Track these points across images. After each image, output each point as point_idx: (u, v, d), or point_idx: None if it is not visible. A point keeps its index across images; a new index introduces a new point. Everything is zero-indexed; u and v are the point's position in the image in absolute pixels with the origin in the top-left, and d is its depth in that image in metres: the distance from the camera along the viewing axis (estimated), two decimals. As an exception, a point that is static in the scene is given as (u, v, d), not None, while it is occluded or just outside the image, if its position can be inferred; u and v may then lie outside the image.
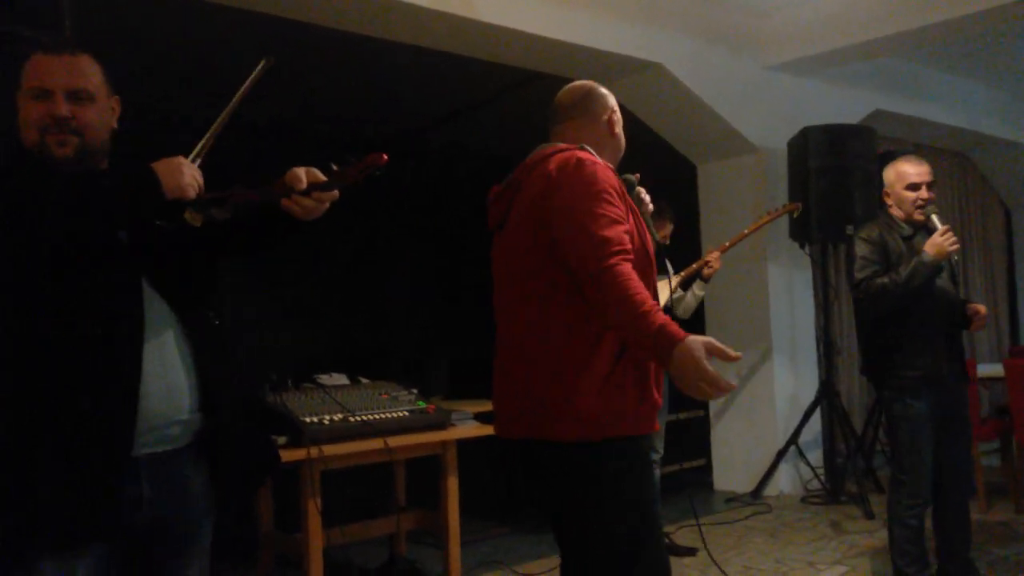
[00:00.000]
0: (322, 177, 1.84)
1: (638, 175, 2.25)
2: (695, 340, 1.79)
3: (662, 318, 1.82)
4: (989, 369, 5.90)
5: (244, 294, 5.54)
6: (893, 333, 3.50)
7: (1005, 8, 5.02)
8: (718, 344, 1.81)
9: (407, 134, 6.79)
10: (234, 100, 1.88)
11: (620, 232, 1.93)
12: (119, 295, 1.73)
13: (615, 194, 2.00)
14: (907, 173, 3.57)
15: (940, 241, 3.39)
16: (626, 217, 2.00)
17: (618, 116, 2.27)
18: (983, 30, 5.63)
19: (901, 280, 3.39)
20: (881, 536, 4.70)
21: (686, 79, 5.50)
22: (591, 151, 2.11)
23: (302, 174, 1.83)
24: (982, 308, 3.66)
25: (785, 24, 5.85)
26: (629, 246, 1.93)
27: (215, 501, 1.88)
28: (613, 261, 1.88)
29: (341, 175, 1.88)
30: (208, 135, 1.87)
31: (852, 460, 5.73)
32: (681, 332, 1.80)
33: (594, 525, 1.98)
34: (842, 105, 6.37)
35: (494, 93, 6.26)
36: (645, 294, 1.86)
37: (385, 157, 1.89)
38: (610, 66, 5.30)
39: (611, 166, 2.13)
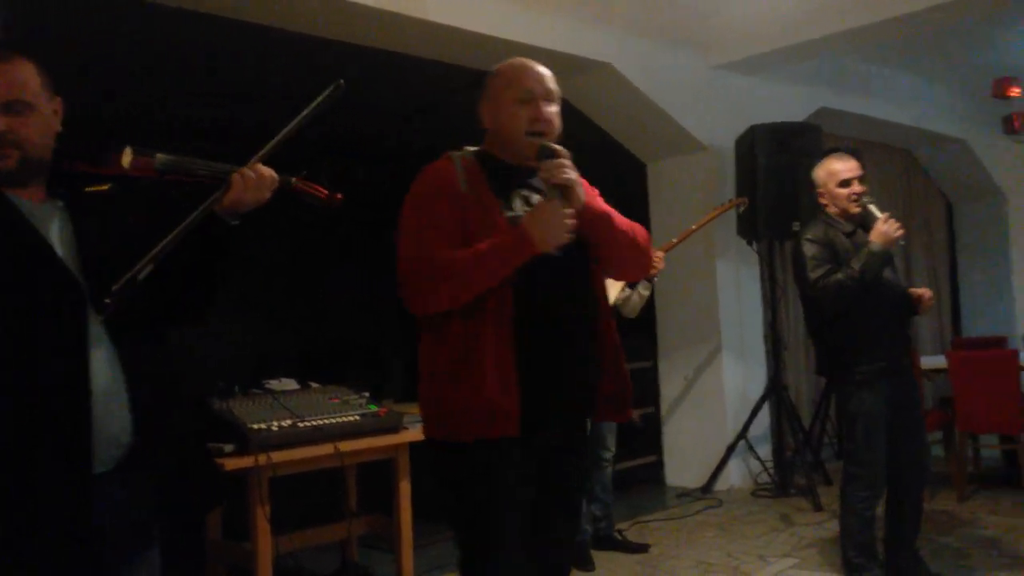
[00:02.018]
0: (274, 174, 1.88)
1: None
2: (529, 212, 2.03)
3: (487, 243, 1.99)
4: (932, 361, 6.03)
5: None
6: (847, 329, 3.55)
7: (946, 6, 5.12)
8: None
9: (362, 135, 6.73)
10: (299, 118, 1.87)
11: (408, 243, 2.08)
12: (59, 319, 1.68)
13: (421, 196, 2.12)
14: (837, 170, 3.63)
15: (885, 229, 3.44)
16: (440, 214, 2.05)
17: (512, 92, 2.15)
18: (925, 28, 5.74)
19: (856, 274, 3.43)
20: (829, 527, 4.79)
21: (635, 78, 5.53)
22: (464, 153, 2.18)
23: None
24: (926, 291, 3.72)
25: (732, 23, 5.91)
26: (422, 257, 2.03)
27: (156, 526, 1.84)
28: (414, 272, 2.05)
29: (299, 186, 1.98)
30: (266, 149, 1.86)
31: (800, 454, 5.82)
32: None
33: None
34: (789, 103, 6.46)
35: (449, 94, 6.24)
36: (460, 253, 1.99)
37: (339, 197, 2.06)
38: (559, 66, 5.26)
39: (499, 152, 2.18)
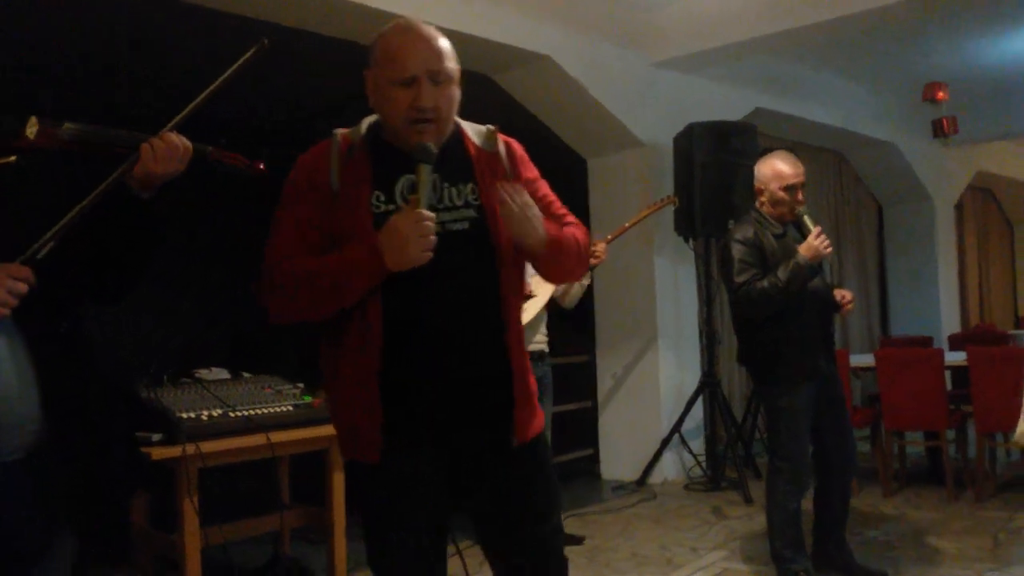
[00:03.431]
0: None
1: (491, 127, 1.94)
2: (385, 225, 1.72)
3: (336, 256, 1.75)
4: (861, 359, 6.17)
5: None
6: (772, 332, 3.58)
7: (879, 11, 5.24)
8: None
9: (293, 123, 6.62)
10: (220, 79, 1.78)
11: (269, 245, 1.84)
12: None
13: (290, 188, 1.87)
14: (785, 175, 3.60)
15: (816, 245, 3.45)
16: (301, 212, 1.82)
17: (390, 72, 1.80)
18: (856, 31, 5.86)
19: (782, 284, 3.44)
20: (759, 520, 4.86)
21: (574, 72, 5.54)
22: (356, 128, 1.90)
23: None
24: (847, 293, 3.79)
25: (673, 20, 5.96)
26: (277, 261, 1.80)
27: (71, 513, 1.77)
28: (267, 279, 1.81)
29: (216, 156, 1.90)
30: (185, 112, 1.77)
31: (732, 447, 5.91)
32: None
33: None
34: (726, 103, 6.55)
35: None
36: (308, 264, 1.76)
37: (263, 167, 1.94)
38: (499, 57, 5.30)
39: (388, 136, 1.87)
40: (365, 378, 1.76)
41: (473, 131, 1.91)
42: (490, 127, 1.93)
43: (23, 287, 1.59)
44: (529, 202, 1.76)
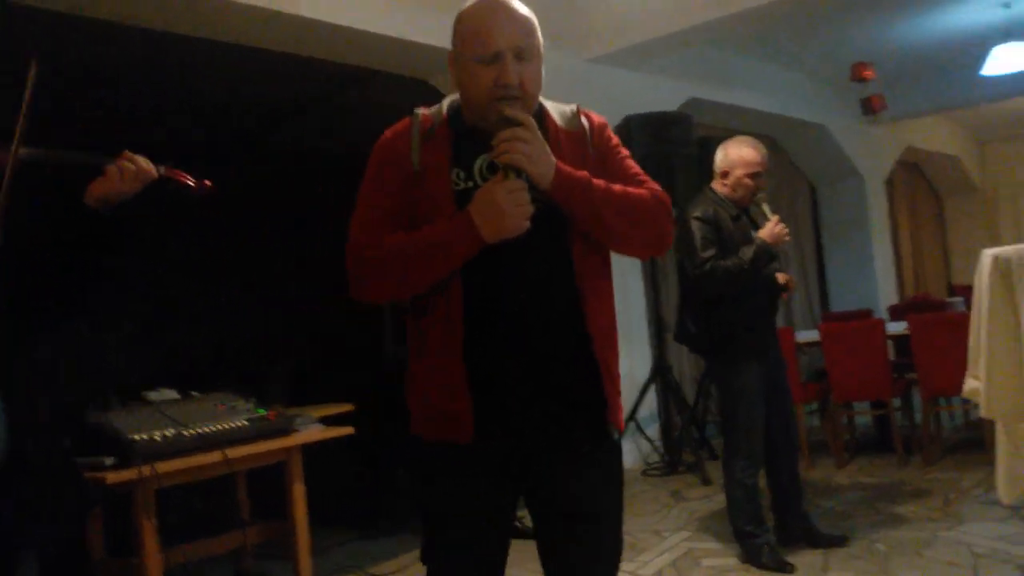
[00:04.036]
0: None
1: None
2: (476, 195, 1.67)
3: (427, 230, 1.71)
4: (805, 336, 6.29)
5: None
6: (727, 313, 3.66)
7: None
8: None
9: (241, 135, 6.53)
10: (23, 111, 1.75)
11: (354, 224, 1.80)
12: None
13: (372, 167, 1.83)
14: (752, 160, 3.69)
15: (778, 231, 3.57)
16: (384, 190, 1.79)
17: (473, 49, 1.74)
18: (786, 16, 5.97)
19: (747, 266, 3.52)
20: (718, 500, 4.93)
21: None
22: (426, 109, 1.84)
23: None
24: (790, 277, 3.90)
25: (604, 17, 6.01)
26: (363, 240, 1.76)
27: (33, 536, 1.72)
28: (354, 258, 1.77)
29: (167, 175, 1.93)
30: (13, 149, 1.74)
31: (687, 432, 5.98)
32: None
33: None
34: (661, 94, 6.61)
35: (329, 91, 6.14)
36: (396, 240, 1.72)
37: (210, 185, 1.98)
38: (433, 60, 5.27)
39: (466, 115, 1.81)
40: (451, 355, 1.72)
41: (556, 111, 1.86)
42: (573, 108, 1.88)
43: None
44: (527, 137, 1.67)
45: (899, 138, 10.33)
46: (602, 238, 1.79)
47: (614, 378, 1.80)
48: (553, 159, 1.70)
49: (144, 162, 1.82)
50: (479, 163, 1.76)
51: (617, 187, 1.78)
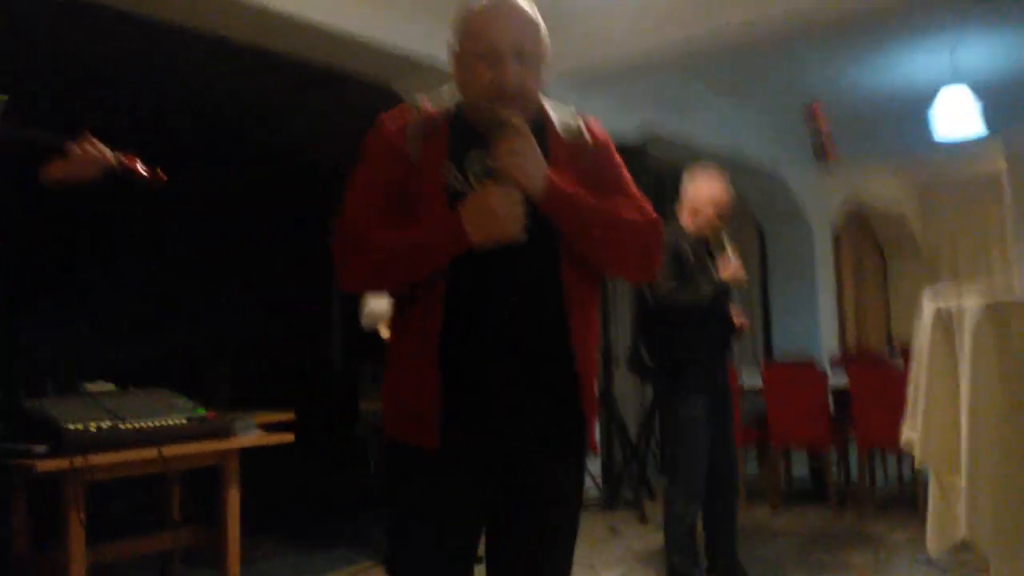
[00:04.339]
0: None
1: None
2: (469, 197, 1.65)
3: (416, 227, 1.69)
4: (749, 380, 6.36)
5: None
6: (676, 340, 3.70)
7: (750, 24, 5.45)
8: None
9: (211, 132, 6.45)
10: None
11: (346, 206, 1.76)
12: None
13: (367, 154, 1.79)
14: (718, 194, 3.73)
15: (737, 273, 3.64)
16: (376, 178, 1.76)
17: (474, 44, 1.73)
18: (739, 49, 6.04)
19: (707, 300, 3.60)
20: (655, 539, 4.94)
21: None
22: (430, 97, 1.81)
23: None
24: (743, 319, 3.95)
25: (569, 40, 6.05)
26: (350, 229, 1.73)
27: None
28: (342, 238, 1.74)
29: (123, 163, 1.96)
30: None
31: (628, 468, 5.99)
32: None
33: None
34: (617, 124, 6.66)
35: (300, 93, 6.11)
36: (383, 234, 1.69)
37: (164, 178, 2.02)
38: (396, 65, 5.24)
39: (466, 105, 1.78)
40: (425, 357, 1.69)
41: (558, 115, 1.83)
42: (575, 113, 1.85)
43: None
44: (518, 145, 1.65)
45: (847, 188, 10.51)
46: (588, 255, 1.77)
47: (592, 394, 1.79)
48: (545, 169, 1.67)
49: (104, 148, 1.85)
50: (473, 159, 1.73)
51: (607, 205, 1.75)
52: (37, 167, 1.83)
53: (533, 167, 1.65)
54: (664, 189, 5.95)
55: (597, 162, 1.82)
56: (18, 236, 1.86)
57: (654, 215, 1.81)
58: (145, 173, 2.01)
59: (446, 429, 1.69)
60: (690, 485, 3.70)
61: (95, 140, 1.84)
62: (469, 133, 1.74)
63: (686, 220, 3.80)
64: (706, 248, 3.79)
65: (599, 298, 1.87)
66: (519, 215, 1.63)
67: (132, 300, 6.19)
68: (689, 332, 3.68)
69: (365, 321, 4.25)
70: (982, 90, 6.97)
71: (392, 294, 1.83)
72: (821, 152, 6.89)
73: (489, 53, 1.69)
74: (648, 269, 1.87)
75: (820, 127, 6.57)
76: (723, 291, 3.64)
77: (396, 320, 1.81)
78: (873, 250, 12.84)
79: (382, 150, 1.77)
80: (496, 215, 1.62)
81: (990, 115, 7.14)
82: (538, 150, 1.68)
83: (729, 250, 3.72)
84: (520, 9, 1.75)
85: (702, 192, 3.78)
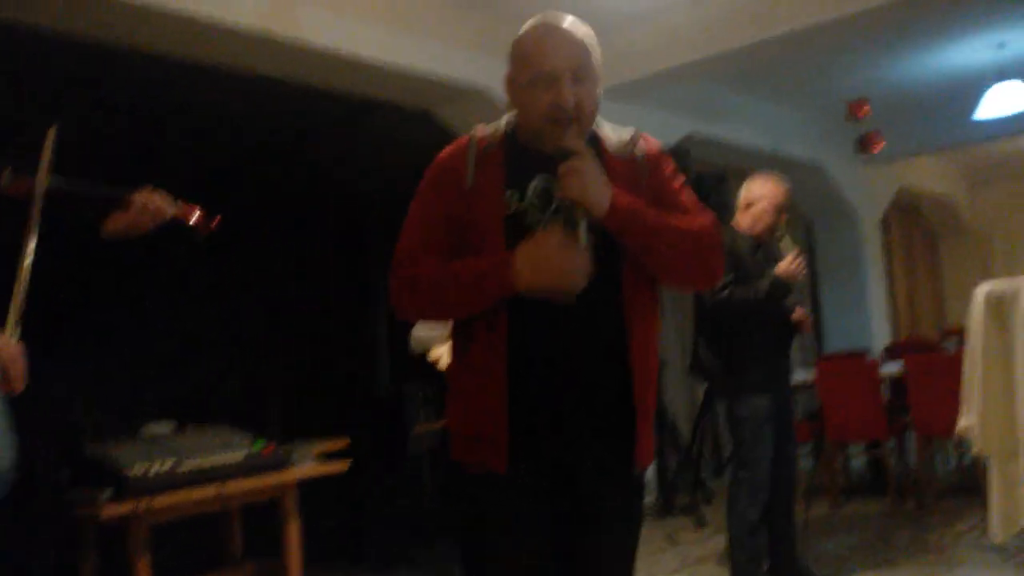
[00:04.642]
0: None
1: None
2: (526, 243, 1.66)
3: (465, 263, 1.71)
4: (801, 375, 6.30)
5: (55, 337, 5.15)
6: (738, 339, 3.70)
7: (801, 32, 5.42)
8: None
9: (237, 164, 6.57)
10: (40, 175, 1.84)
11: (400, 243, 1.80)
12: None
13: (425, 186, 1.83)
14: (779, 194, 3.78)
15: (793, 268, 3.60)
16: (433, 212, 1.79)
17: (529, 71, 1.75)
18: (782, 54, 6.05)
19: (760, 298, 3.58)
20: (713, 544, 4.92)
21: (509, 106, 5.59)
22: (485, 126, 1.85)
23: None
24: (806, 313, 3.95)
25: (605, 53, 6.08)
26: (404, 262, 1.77)
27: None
28: (394, 278, 1.79)
29: (182, 212, 2.03)
30: (34, 215, 1.81)
31: (682, 473, 5.95)
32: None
33: None
34: (658, 129, 6.67)
35: (331, 124, 6.20)
36: (435, 269, 1.73)
37: (214, 227, 2.10)
38: (436, 91, 5.33)
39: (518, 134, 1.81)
40: (491, 382, 1.70)
41: (613, 135, 1.86)
42: (632, 132, 1.88)
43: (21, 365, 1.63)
44: (583, 169, 1.65)
45: (894, 179, 10.40)
46: (651, 269, 1.78)
47: (649, 415, 1.81)
48: (609, 188, 1.68)
49: (162, 200, 1.92)
50: (534, 186, 1.75)
51: (671, 218, 1.76)
52: (98, 221, 1.88)
53: (596, 186, 1.66)
54: (705, 190, 5.93)
55: (653, 177, 1.84)
56: (62, 283, 1.90)
57: (713, 223, 1.83)
58: (198, 222, 2.06)
59: (512, 454, 1.70)
60: (754, 484, 3.68)
61: (154, 191, 1.91)
62: (526, 157, 1.77)
63: (744, 222, 3.81)
64: (765, 249, 3.80)
65: (658, 310, 1.88)
66: (582, 266, 1.63)
67: (179, 338, 6.32)
68: (749, 330, 3.68)
69: (413, 346, 4.29)
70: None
71: (452, 327, 1.85)
72: (866, 144, 6.82)
73: (545, 76, 1.72)
74: (711, 278, 1.87)
75: (862, 118, 6.50)
76: (780, 287, 3.60)
77: (459, 347, 1.81)
78: (923, 238, 12.63)
79: (439, 180, 1.80)
80: (554, 265, 1.63)
81: None
82: (600, 169, 1.69)
83: (789, 246, 3.74)
84: (572, 31, 1.78)
85: (757, 189, 3.81)
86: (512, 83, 1.80)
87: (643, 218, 1.72)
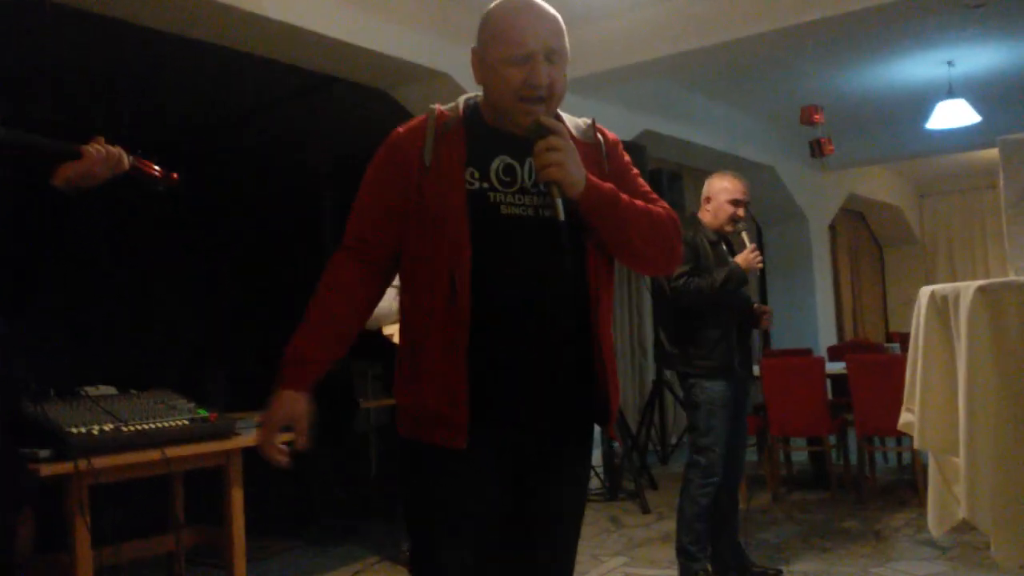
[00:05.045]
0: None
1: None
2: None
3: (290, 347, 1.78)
4: (747, 370, 6.38)
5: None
6: (695, 326, 3.78)
7: (756, 37, 5.51)
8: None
9: (196, 134, 6.46)
10: None
11: (351, 220, 1.84)
12: None
13: (377, 163, 1.83)
14: (733, 189, 3.89)
15: (751, 258, 3.75)
16: (385, 182, 1.79)
17: (502, 49, 1.73)
18: (739, 58, 6.15)
19: (717, 284, 3.69)
20: (657, 529, 4.99)
21: (472, 91, 5.57)
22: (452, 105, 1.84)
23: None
24: (768, 308, 4.10)
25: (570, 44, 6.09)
26: (351, 239, 1.81)
27: None
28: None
29: (136, 165, 1.97)
30: None
31: (628, 458, 6.01)
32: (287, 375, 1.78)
33: None
34: (615, 124, 6.69)
35: (286, 96, 6.11)
36: (314, 312, 1.79)
37: (176, 178, 2.03)
38: (398, 72, 5.30)
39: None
40: (452, 357, 1.68)
41: (571, 122, 1.86)
42: (588, 121, 1.88)
43: None
44: (563, 146, 1.68)
45: (843, 185, 10.61)
46: (618, 251, 1.80)
47: (615, 387, 1.83)
48: (583, 169, 1.70)
49: (117, 150, 1.86)
50: (496, 164, 1.75)
51: (639, 203, 1.79)
52: (49, 170, 1.83)
53: (574, 164, 1.68)
54: (660, 187, 5.99)
55: (613, 163, 1.86)
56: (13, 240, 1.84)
57: (673, 211, 1.86)
58: (157, 174, 2.02)
59: (472, 428, 1.69)
60: (706, 467, 3.74)
61: (105, 143, 1.87)
62: (488, 135, 1.77)
63: (705, 216, 3.93)
64: (724, 243, 3.90)
65: (613, 290, 1.91)
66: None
67: (124, 305, 6.20)
68: (706, 317, 3.75)
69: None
70: (976, 94, 7.09)
71: (404, 301, 1.82)
72: (818, 148, 6.96)
73: (520, 54, 1.70)
74: (673, 261, 1.90)
75: (815, 123, 6.63)
76: (737, 276, 3.71)
77: (413, 324, 1.78)
78: (869, 243, 12.88)
79: (392, 160, 1.79)
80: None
81: (984, 119, 7.29)
82: (575, 149, 1.70)
83: (746, 240, 3.87)
84: (547, 10, 1.77)
85: (715, 185, 3.94)
86: (481, 59, 1.77)
87: (616, 199, 1.74)
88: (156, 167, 2.03)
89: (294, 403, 1.74)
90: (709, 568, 3.81)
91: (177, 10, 4.24)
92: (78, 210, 1.83)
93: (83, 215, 1.84)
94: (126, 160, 1.89)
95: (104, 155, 1.84)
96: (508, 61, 1.71)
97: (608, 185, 1.75)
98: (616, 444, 1.71)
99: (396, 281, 1.88)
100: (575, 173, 1.68)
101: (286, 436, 1.76)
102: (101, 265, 1.97)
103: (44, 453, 2.78)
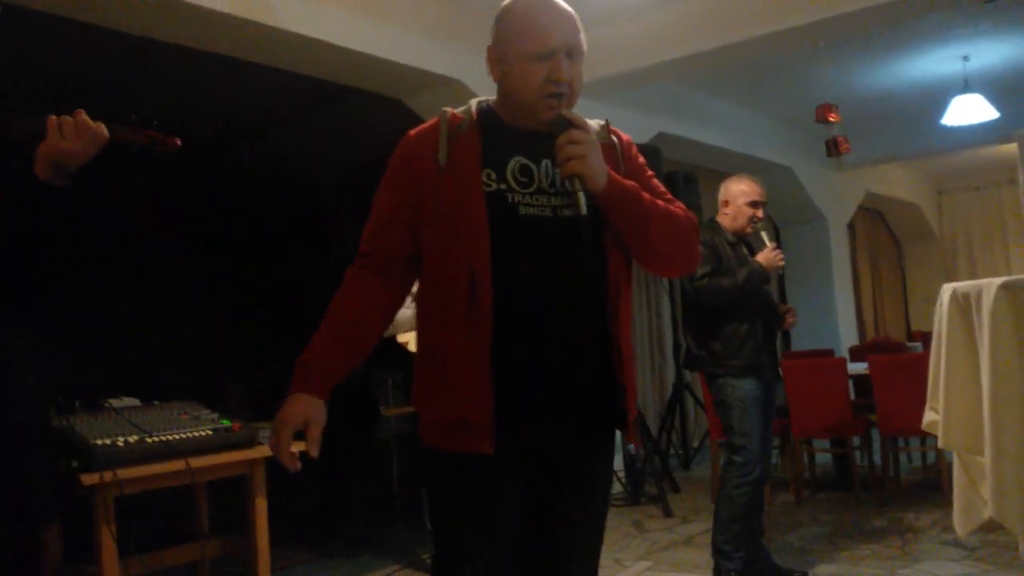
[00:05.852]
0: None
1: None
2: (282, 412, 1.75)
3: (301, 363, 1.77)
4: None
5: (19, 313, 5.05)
6: (720, 325, 3.79)
7: (772, 36, 5.49)
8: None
9: (211, 146, 6.50)
10: None
11: (368, 227, 1.83)
12: None
13: (391, 167, 1.82)
14: (751, 191, 3.93)
15: (772, 257, 3.79)
16: (400, 185, 1.79)
17: (524, 45, 1.73)
18: (754, 58, 6.13)
19: (739, 283, 3.72)
20: (680, 532, 4.97)
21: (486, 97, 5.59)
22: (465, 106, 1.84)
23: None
24: (791, 308, 4.12)
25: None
26: (367, 247, 1.82)
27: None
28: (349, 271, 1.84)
29: (130, 130, 1.81)
30: None
31: (650, 463, 6.00)
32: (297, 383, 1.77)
33: None
34: (630, 127, 6.69)
35: (300, 107, 6.15)
36: (328, 319, 1.79)
37: (178, 142, 1.86)
38: (410, 81, 5.32)
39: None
40: (475, 362, 1.66)
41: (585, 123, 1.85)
42: (602, 122, 1.87)
43: None
44: (586, 140, 1.68)
45: (861, 184, 10.54)
46: (638, 250, 1.79)
47: (633, 388, 1.82)
48: (604, 163, 1.70)
49: (88, 120, 1.69)
50: (512, 165, 1.74)
51: (660, 202, 1.79)
52: (29, 163, 1.67)
53: (596, 158, 1.68)
54: (676, 189, 5.97)
55: (629, 163, 1.86)
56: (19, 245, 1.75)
57: (690, 212, 1.85)
58: (154, 138, 1.86)
59: (496, 432, 1.68)
60: (741, 465, 3.72)
61: (79, 113, 1.67)
62: (504, 135, 1.77)
63: (724, 219, 3.96)
64: (744, 244, 3.93)
65: (632, 290, 1.90)
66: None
67: (147, 317, 6.24)
68: (731, 317, 3.77)
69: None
70: (993, 89, 7.04)
71: (423, 307, 1.82)
72: (834, 147, 6.93)
73: (543, 51, 1.70)
74: (692, 261, 1.90)
75: (831, 121, 6.60)
76: (759, 274, 3.74)
77: (433, 331, 1.77)
78: (888, 242, 12.80)
79: (406, 162, 1.79)
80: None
81: (1002, 114, 7.23)
82: (597, 143, 1.71)
83: (766, 239, 3.90)
84: (565, 7, 1.77)
85: (732, 188, 3.97)
86: (500, 56, 1.77)
87: (637, 195, 1.73)
88: (152, 133, 1.87)
89: (306, 406, 1.74)
90: (739, 571, 3.78)
91: (196, 25, 4.27)
92: (72, 201, 1.74)
93: (78, 208, 1.76)
94: (103, 130, 1.72)
95: (65, 125, 1.65)
96: (531, 57, 1.71)
97: (629, 181, 1.74)
98: (632, 447, 1.70)
99: (412, 288, 1.89)
100: (597, 166, 1.67)
101: (300, 446, 1.74)
102: (92, 261, 1.83)
103: (72, 464, 2.81)
